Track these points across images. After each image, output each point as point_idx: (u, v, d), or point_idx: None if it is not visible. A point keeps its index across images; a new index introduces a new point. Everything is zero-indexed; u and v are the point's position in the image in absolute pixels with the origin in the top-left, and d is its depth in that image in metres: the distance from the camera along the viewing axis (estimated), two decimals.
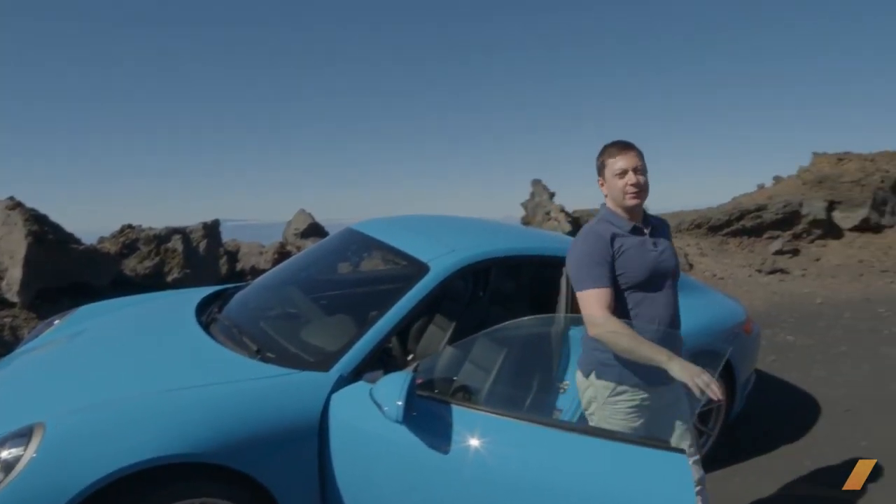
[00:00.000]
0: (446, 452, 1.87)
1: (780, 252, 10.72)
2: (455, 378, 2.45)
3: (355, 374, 2.19)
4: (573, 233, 10.71)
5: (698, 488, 2.03)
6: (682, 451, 1.68)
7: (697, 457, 2.16)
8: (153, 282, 5.87)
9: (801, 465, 3.39)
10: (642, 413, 2.08)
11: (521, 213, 12.97)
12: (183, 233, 6.38)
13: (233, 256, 7.42)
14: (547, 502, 1.75)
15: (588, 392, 2.17)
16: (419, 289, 2.42)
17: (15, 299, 5.00)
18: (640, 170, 2.08)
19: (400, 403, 1.83)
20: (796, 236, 11.31)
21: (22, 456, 1.74)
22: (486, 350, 2.54)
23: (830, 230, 11.60)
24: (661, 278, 2.11)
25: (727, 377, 3.31)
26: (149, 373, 2.22)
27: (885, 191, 12.18)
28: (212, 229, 6.71)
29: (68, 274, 5.30)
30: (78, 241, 5.57)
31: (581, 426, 1.92)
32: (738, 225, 11.54)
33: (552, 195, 12.55)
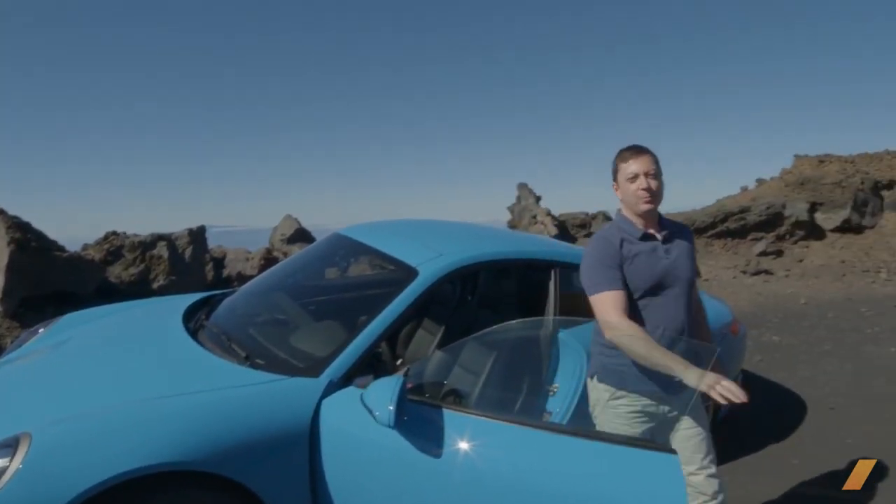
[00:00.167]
0: (438, 456, 1.87)
1: (764, 253, 10.86)
2: (445, 382, 2.45)
3: (345, 380, 2.18)
4: (560, 236, 10.76)
5: (713, 502, 2.03)
6: (672, 451, 1.69)
7: (713, 469, 2.09)
8: (138, 289, 5.83)
9: (788, 464, 3.43)
10: (646, 419, 2.05)
11: (508, 216, 13.01)
12: (168, 239, 6.34)
13: (219, 263, 7.38)
14: None
15: (592, 395, 2.19)
16: (408, 293, 2.42)
17: None
18: (653, 174, 2.04)
19: (391, 408, 1.82)
20: (780, 237, 11.46)
21: (7, 467, 1.71)
22: (476, 354, 2.54)
23: (813, 231, 11.76)
24: (670, 286, 2.06)
25: None
26: (137, 381, 2.20)
27: (866, 192, 12.38)
28: (197, 235, 6.67)
29: (52, 282, 5.25)
30: (62, 249, 5.52)
31: (572, 428, 1.91)
32: (723, 227, 11.67)
33: (538, 199, 12.61)
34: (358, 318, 2.50)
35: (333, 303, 3.30)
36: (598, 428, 2.13)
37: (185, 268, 6.40)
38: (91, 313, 3.28)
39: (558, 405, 2.54)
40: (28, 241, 5.16)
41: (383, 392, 1.88)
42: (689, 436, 2.09)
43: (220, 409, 1.99)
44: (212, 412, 1.98)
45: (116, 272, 5.90)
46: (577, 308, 3.00)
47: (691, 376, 1.76)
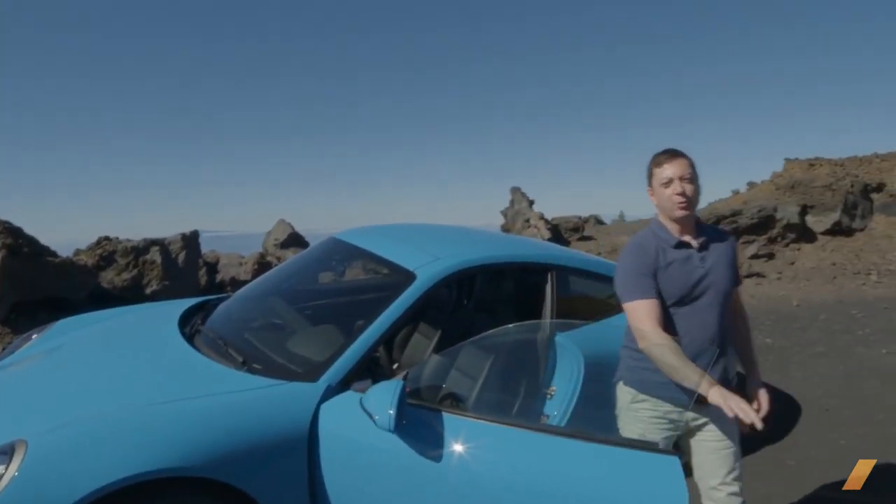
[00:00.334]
0: (437, 460, 1.88)
1: (755, 256, 10.93)
2: (444, 385, 2.45)
3: (343, 384, 2.18)
4: (553, 240, 10.79)
5: None
6: (674, 453, 1.70)
7: (737, 487, 2.04)
8: (131, 294, 5.79)
9: (785, 465, 3.45)
10: (669, 426, 2.03)
11: (501, 220, 13.04)
12: (161, 244, 6.30)
13: (212, 268, 7.35)
14: None
15: (618, 396, 2.19)
16: (406, 297, 2.42)
17: None
18: (689, 178, 1.98)
19: (392, 412, 1.82)
20: (771, 240, 11.53)
21: (3, 475, 1.70)
22: (473, 357, 2.55)
23: (804, 234, 11.85)
24: (703, 295, 2.01)
25: None
26: (133, 386, 2.19)
27: (855, 195, 12.48)
28: (191, 240, 6.64)
29: (44, 287, 5.21)
30: (54, 254, 5.48)
31: (572, 431, 1.90)
32: None
33: (531, 203, 12.64)
34: (355, 322, 2.50)
35: (330, 307, 3.30)
36: (620, 430, 2.13)
37: (179, 273, 6.36)
38: (85, 319, 3.26)
39: (556, 408, 2.54)
40: (20, 246, 5.12)
41: (383, 396, 1.88)
42: (714, 448, 2.05)
43: (219, 415, 1.99)
44: (210, 417, 1.97)
45: (109, 277, 5.86)
46: (573, 311, 3.02)
47: (714, 394, 1.74)
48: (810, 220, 12.06)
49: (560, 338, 2.61)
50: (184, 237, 6.58)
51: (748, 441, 3.67)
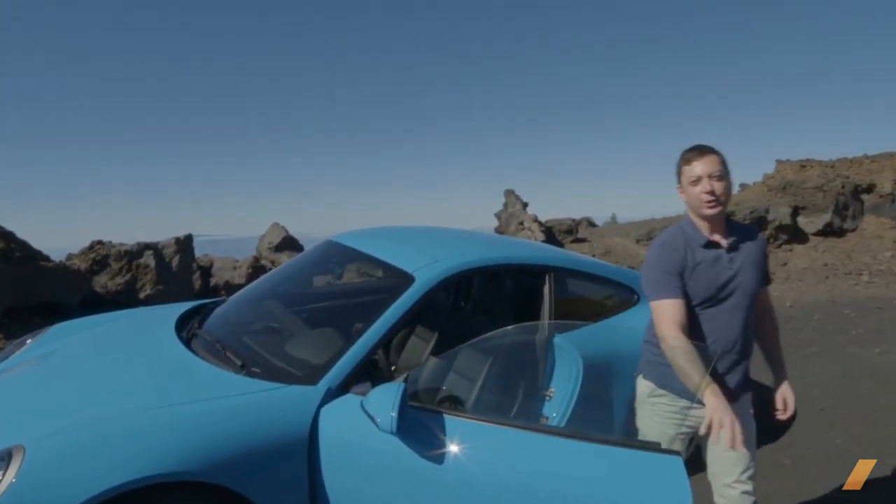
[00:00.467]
0: (439, 462, 1.87)
1: None
2: (442, 388, 2.45)
3: (343, 387, 2.17)
4: (547, 242, 10.82)
5: None
6: (675, 453, 1.70)
7: (750, 486, 2.03)
8: (125, 299, 5.76)
9: (782, 465, 3.46)
10: (685, 422, 2.03)
11: (495, 223, 13.05)
12: (155, 248, 6.27)
13: (206, 272, 7.32)
14: None
15: (637, 389, 2.20)
16: (405, 299, 2.41)
17: None
18: (718, 176, 1.94)
19: (394, 414, 1.82)
20: None
21: (0, 481, 1.68)
22: (472, 360, 2.55)
23: (796, 235, 11.93)
24: (730, 297, 1.99)
25: None
26: (131, 390, 2.17)
27: (846, 196, 12.59)
28: (185, 244, 6.60)
29: (37, 292, 5.17)
30: (47, 258, 5.44)
31: (574, 432, 1.90)
32: None
33: (525, 205, 12.67)
34: (354, 325, 2.49)
35: (329, 310, 3.29)
36: (637, 422, 2.15)
37: (173, 277, 6.33)
38: (80, 323, 3.24)
39: (554, 409, 2.54)
40: (12, 250, 5.08)
41: (385, 398, 1.87)
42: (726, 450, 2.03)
43: (218, 419, 1.97)
44: (209, 421, 1.95)
45: (103, 282, 5.82)
46: (570, 312, 3.02)
47: (709, 401, 1.71)
48: (802, 221, 12.14)
49: (558, 339, 2.61)
50: (177, 241, 6.54)
51: None
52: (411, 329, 3.35)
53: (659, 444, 1.77)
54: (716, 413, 1.67)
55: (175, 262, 6.44)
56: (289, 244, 9.01)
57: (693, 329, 1.98)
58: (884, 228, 12.34)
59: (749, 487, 2.03)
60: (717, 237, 2.01)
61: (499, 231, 12.48)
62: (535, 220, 12.08)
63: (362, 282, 3.69)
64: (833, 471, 3.37)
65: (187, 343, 2.62)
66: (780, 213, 11.70)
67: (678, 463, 1.65)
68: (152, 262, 6.11)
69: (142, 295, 5.97)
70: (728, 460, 2.03)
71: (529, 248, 3.58)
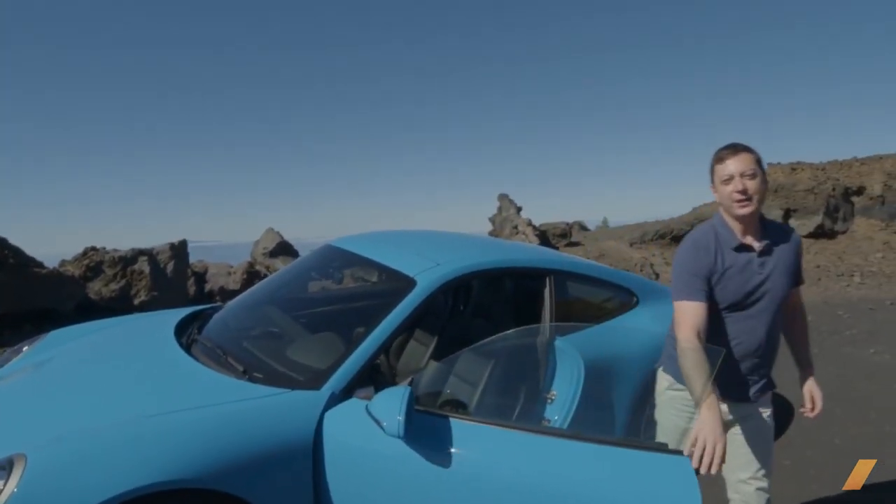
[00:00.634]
0: (445, 465, 1.86)
1: None
2: (443, 392, 2.45)
3: (347, 392, 2.16)
4: (541, 245, 10.82)
5: None
6: (682, 453, 1.70)
7: (765, 483, 2.04)
8: (120, 305, 5.71)
9: (780, 465, 3.47)
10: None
11: (489, 227, 13.07)
12: (150, 254, 6.23)
13: (200, 277, 7.28)
14: None
15: (657, 380, 2.22)
16: (407, 303, 2.41)
17: None
18: (751, 174, 1.88)
19: (401, 418, 1.81)
20: None
21: (2, 491, 1.65)
22: (473, 363, 2.54)
23: None
24: (757, 302, 1.97)
25: None
26: (133, 397, 2.15)
27: (837, 198, 12.70)
28: (179, 250, 6.56)
29: (31, 299, 5.12)
30: (40, 265, 5.39)
31: (582, 434, 1.90)
32: None
33: (519, 209, 12.70)
34: (356, 329, 2.49)
35: (330, 315, 3.27)
36: (656, 414, 2.17)
37: (167, 283, 6.29)
38: (77, 330, 3.20)
39: (556, 412, 2.55)
40: (5, 257, 5.04)
41: (391, 402, 1.86)
42: (748, 443, 2.06)
43: (222, 425, 1.95)
44: (212, 428, 1.94)
45: (97, 288, 5.78)
46: (571, 315, 3.03)
47: (702, 416, 1.70)
48: (793, 223, 12.24)
49: (559, 342, 2.61)
50: (172, 247, 6.51)
51: None
52: (410, 333, 3.35)
53: (667, 445, 1.77)
54: (702, 431, 1.66)
55: (170, 268, 6.40)
56: (283, 249, 8.98)
57: (718, 331, 1.98)
58: (874, 230, 12.45)
59: (764, 484, 2.04)
60: (749, 239, 1.97)
61: (493, 235, 12.51)
62: (529, 224, 12.11)
63: (362, 286, 3.68)
64: (832, 471, 3.39)
65: (187, 349, 2.60)
66: (771, 216, 11.73)
67: (686, 464, 1.65)
68: (147, 269, 6.07)
69: (136, 301, 5.92)
70: (745, 457, 2.04)
71: (529, 251, 3.59)
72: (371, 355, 2.26)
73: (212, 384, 2.22)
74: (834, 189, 12.81)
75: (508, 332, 2.50)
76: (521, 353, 2.67)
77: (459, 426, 1.93)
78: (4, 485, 1.66)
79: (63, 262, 6.06)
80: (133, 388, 2.26)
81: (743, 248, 1.96)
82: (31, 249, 5.52)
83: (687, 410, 2.08)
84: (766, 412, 2.13)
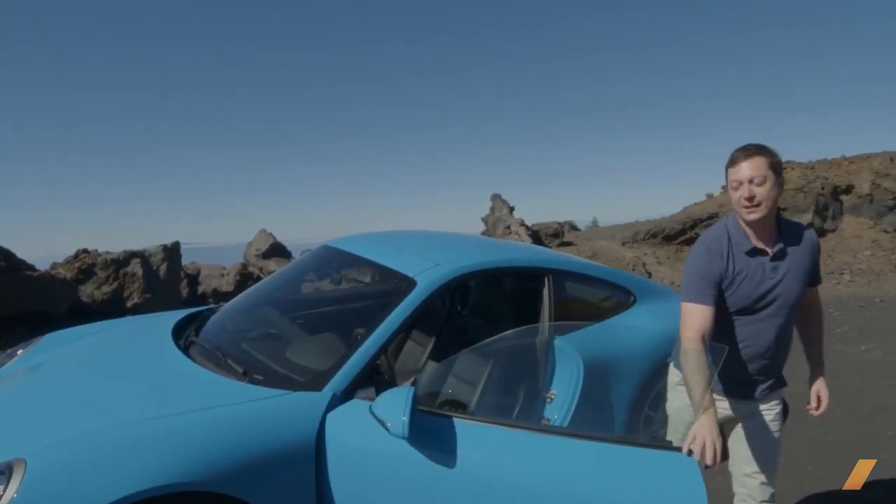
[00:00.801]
0: (449, 466, 1.86)
1: None
2: (443, 392, 2.45)
3: (348, 393, 2.15)
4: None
5: None
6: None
7: (770, 478, 2.07)
8: (112, 307, 5.67)
9: None
10: None
11: (482, 227, 13.09)
12: (142, 256, 6.18)
13: (193, 279, 7.24)
14: None
15: (669, 373, 2.26)
16: (407, 303, 2.40)
17: None
18: (759, 181, 1.85)
19: (405, 419, 1.81)
20: None
21: (1, 497, 1.63)
22: (473, 363, 2.55)
23: None
24: (767, 307, 1.96)
25: None
26: (132, 400, 2.13)
27: (826, 197, 12.81)
28: (172, 252, 6.52)
29: (22, 302, 5.07)
30: (31, 268, 5.34)
31: (587, 433, 1.90)
32: (692, 233, 11.92)
33: (512, 209, 12.72)
34: (355, 330, 2.48)
35: (329, 316, 3.26)
36: (666, 408, 2.21)
37: (160, 285, 6.25)
38: (73, 332, 3.17)
39: (556, 412, 2.56)
40: None
41: (395, 403, 1.86)
42: (754, 438, 2.08)
43: (223, 427, 1.94)
44: (214, 430, 1.92)
45: (89, 291, 5.73)
46: (569, 314, 3.03)
47: (699, 420, 1.71)
48: None
49: (558, 341, 2.62)
50: (165, 249, 6.46)
51: None
52: (407, 334, 3.34)
53: (672, 443, 1.78)
54: (700, 432, 1.67)
55: (162, 269, 6.36)
56: (277, 251, 8.95)
57: (727, 332, 1.98)
58: (863, 228, 12.57)
59: (768, 479, 2.08)
60: (762, 243, 1.95)
61: (486, 235, 12.53)
62: (522, 223, 12.14)
63: (361, 286, 3.67)
64: (827, 467, 3.43)
65: (185, 351, 2.58)
66: None
67: (692, 462, 1.65)
68: (139, 271, 6.02)
69: (129, 304, 5.88)
70: (749, 451, 2.07)
71: (528, 251, 3.59)
72: (372, 356, 2.25)
73: (212, 386, 2.21)
74: (823, 188, 12.92)
75: (507, 332, 2.51)
76: (521, 353, 2.68)
77: (463, 426, 1.93)
78: (4, 490, 1.64)
79: (54, 265, 6.00)
80: (132, 390, 2.24)
81: (755, 251, 1.95)
82: (21, 252, 5.46)
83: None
84: (775, 409, 2.15)
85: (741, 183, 1.87)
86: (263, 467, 1.92)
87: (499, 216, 12.36)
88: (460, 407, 2.39)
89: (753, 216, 1.88)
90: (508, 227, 12.03)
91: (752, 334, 2.00)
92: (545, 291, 2.88)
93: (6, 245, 5.31)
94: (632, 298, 3.24)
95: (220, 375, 2.29)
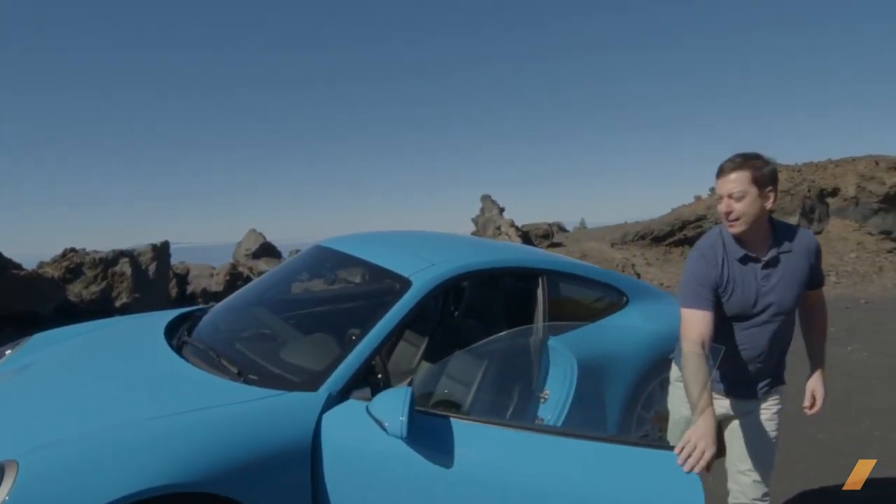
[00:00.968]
0: (449, 466, 1.86)
1: None
2: (436, 392, 2.45)
3: (344, 393, 2.15)
4: None
5: None
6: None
7: (763, 476, 2.10)
8: (100, 307, 5.61)
9: None
10: None
11: (472, 228, 13.10)
12: (131, 255, 6.12)
13: (182, 279, 7.18)
14: None
15: (671, 371, 2.30)
16: (403, 304, 2.40)
17: None
18: (738, 196, 1.86)
19: (403, 419, 1.80)
20: None
21: None
22: (467, 364, 2.55)
23: None
24: (760, 314, 1.97)
25: None
26: (126, 400, 2.11)
27: (812, 199, 12.95)
28: (161, 251, 6.46)
29: (9, 302, 5.00)
30: (18, 267, 5.27)
31: (583, 432, 1.91)
32: (680, 235, 12.01)
33: (502, 210, 12.75)
34: (350, 330, 2.47)
35: (323, 316, 3.25)
36: (668, 403, 2.24)
37: (149, 285, 6.19)
38: (62, 332, 3.13)
39: (549, 412, 2.56)
40: None
41: (393, 403, 1.86)
42: (751, 437, 2.10)
43: (218, 428, 1.92)
44: (209, 431, 1.91)
45: (77, 290, 5.66)
46: (562, 315, 3.04)
47: (696, 423, 1.71)
48: None
49: (552, 342, 2.63)
50: (154, 248, 6.39)
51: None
52: (400, 334, 3.34)
53: (668, 442, 1.79)
54: (694, 435, 1.67)
55: (151, 269, 6.30)
56: (266, 251, 8.90)
57: (724, 336, 2.00)
58: (848, 231, 12.72)
59: (762, 477, 2.09)
60: (754, 251, 1.96)
61: (476, 236, 12.54)
62: (512, 224, 12.16)
63: (355, 287, 3.66)
64: (816, 467, 3.46)
65: (178, 351, 2.56)
66: None
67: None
68: (128, 270, 5.96)
69: (118, 303, 5.82)
70: (744, 449, 2.09)
71: (522, 251, 3.60)
72: (368, 356, 2.25)
73: (206, 386, 2.19)
74: (809, 190, 13.06)
75: (501, 333, 2.51)
76: (515, 354, 2.68)
77: (460, 426, 1.93)
78: None
79: (41, 264, 5.93)
80: (125, 390, 2.21)
81: (747, 259, 1.96)
82: (7, 251, 5.39)
83: None
84: (774, 408, 2.17)
85: (722, 197, 1.92)
86: (259, 468, 1.90)
87: (489, 217, 12.38)
88: (455, 407, 2.39)
89: (733, 230, 1.92)
90: (499, 228, 12.05)
91: (747, 339, 2.03)
92: (539, 292, 2.88)
93: None
94: (624, 299, 3.26)
95: (214, 376, 2.27)
